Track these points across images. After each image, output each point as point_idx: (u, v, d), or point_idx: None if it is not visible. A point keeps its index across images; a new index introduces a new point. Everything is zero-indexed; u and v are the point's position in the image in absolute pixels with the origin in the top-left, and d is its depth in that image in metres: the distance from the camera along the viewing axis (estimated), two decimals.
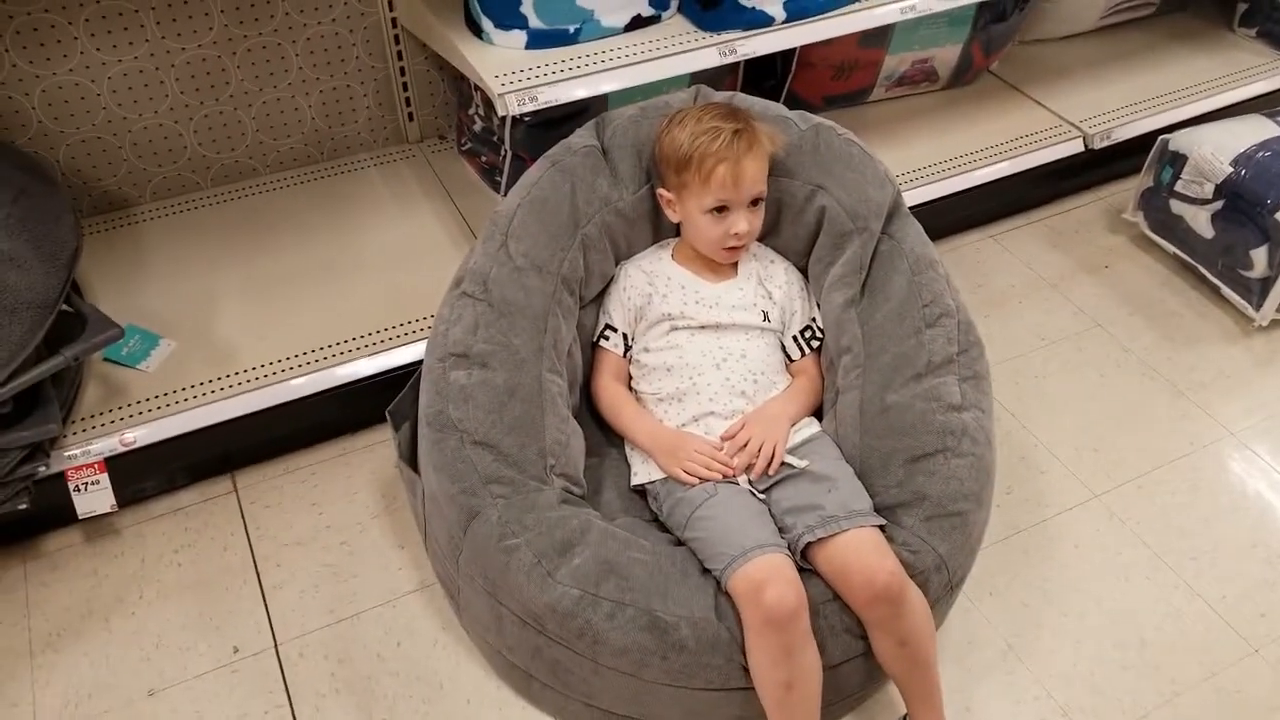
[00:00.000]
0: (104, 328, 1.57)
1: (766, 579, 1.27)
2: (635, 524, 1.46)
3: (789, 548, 1.35)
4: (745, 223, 1.50)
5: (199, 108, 2.05)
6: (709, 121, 1.47)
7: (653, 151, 1.57)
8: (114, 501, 1.65)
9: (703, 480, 1.42)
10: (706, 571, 1.35)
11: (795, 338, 1.60)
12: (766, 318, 1.58)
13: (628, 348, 1.60)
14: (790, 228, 1.62)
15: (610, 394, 1.58)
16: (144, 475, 1.74)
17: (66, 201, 1.72)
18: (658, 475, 1.48)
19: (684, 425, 1.51)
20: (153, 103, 2.00)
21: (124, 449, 1.65)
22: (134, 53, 1.92)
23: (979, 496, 1.43)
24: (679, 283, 1.58)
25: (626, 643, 1.28)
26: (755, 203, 1.52)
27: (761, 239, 1.65)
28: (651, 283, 1.58)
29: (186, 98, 2.03)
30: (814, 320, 1.61)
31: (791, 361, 1.61)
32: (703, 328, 1.55)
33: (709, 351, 1.54)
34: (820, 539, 1.34)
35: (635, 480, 1.52)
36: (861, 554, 1.32)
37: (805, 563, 1.35)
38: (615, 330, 1.60)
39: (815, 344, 1.61)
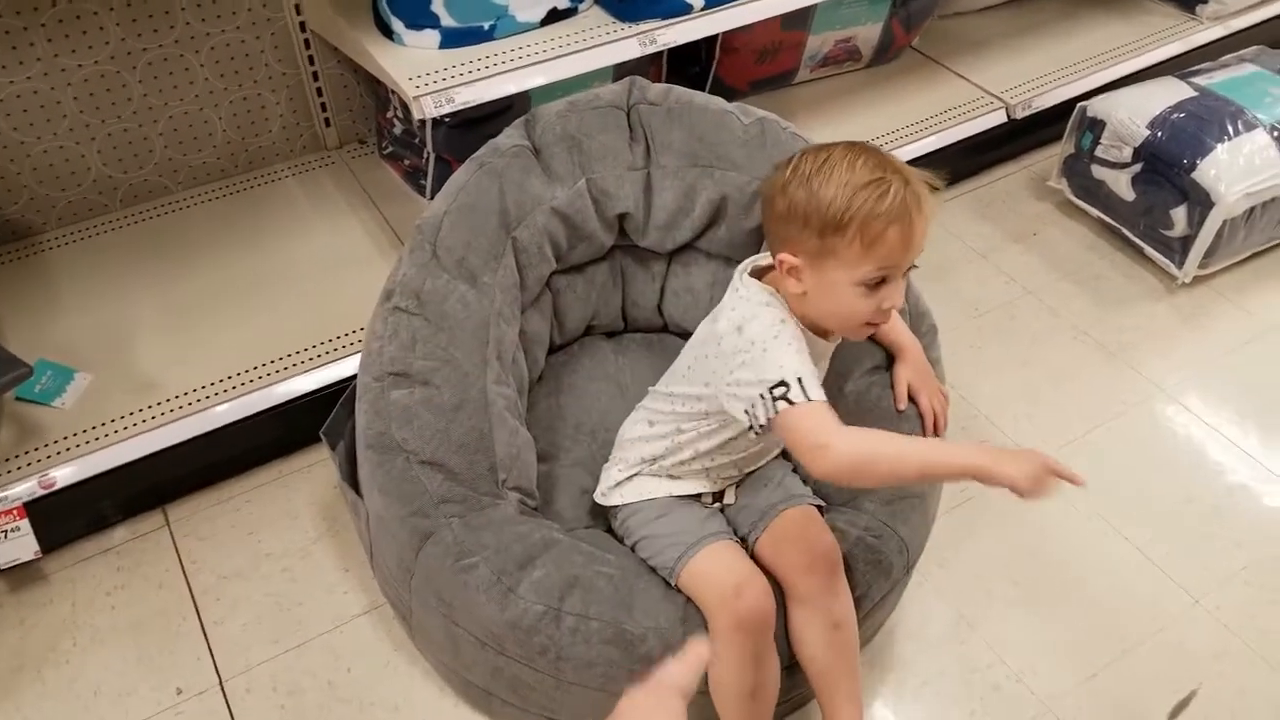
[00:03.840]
0: (11, 367, 1.50)
1: (741, 585, 1.25)
2: (596, 535, 1.43)
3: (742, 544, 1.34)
4: (901, 294, 1.21)
5: (101, 126, 1.97)
6: (867, 170, 1.15)
7: (765, 206, 1.27)
8: (37, 548, 1.58)
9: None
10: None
11: None
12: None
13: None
14: (737, 222, 1.59)
15: (865, 435, 1.18)
16: (69, 516, 1.66)
17: None
18: (631, 499, 1.40)
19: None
20: (50, 124, 1.91)
21: (44, 491, 1.57)
22: (25, 73, 1.83)
23: None
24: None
25: (592, 656, 1.25)
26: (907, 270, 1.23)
27: (702, 234, 1.61)
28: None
29: (86, 117, 1.94)
30: None
31: None
32: None
33: None
34: (765, 528, 1.34)
35: (606, 501, 1.44)
36: (802, 525, 1.33)
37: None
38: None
39: None
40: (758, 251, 1.58)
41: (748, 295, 1.26)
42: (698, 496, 1.41)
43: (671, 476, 1.40)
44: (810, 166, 1.18)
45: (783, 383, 1.15)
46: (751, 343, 1.20)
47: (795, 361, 1.17)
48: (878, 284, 1.18)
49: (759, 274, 1.31)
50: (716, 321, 1.28)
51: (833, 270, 1.17)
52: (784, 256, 1.21)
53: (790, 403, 1.14)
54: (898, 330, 1.49)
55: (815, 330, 1.27)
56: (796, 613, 1.30)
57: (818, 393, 1.15)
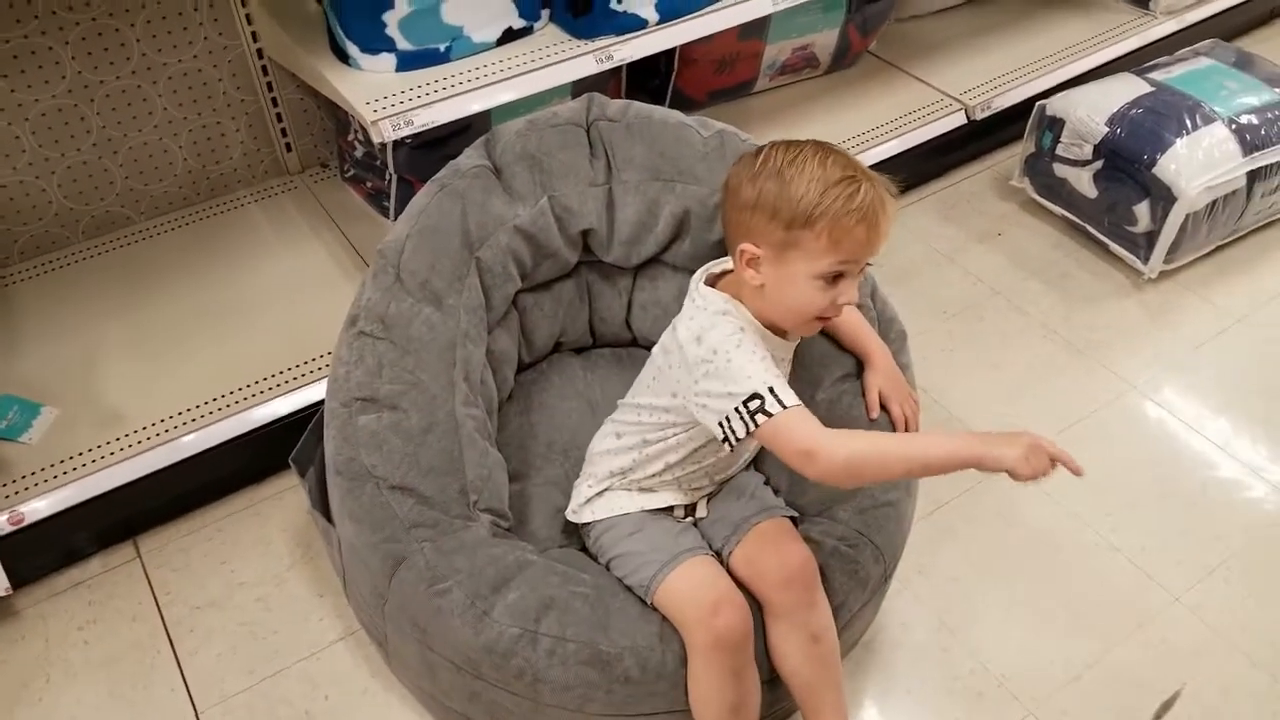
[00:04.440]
0: None
1: (718, 602, 1.25)
2: (571, 554, 1.42)
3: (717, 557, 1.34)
4: (855, 289, 1.24)
5: (60, 160, 1.95)
6: (838, 169, 1.18)
7: (729, 196, 1.26)
8: (8, 584, 1.56)
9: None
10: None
11: None
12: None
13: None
14: (701, 235, 1.59)
15: (852, 435, 1.18)
16: (39, 552, 1.65)
17: None
18: (603, 515, 1.39)
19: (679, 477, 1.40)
20: (9, 159, 1.90)
21: (13, 527, 1.56)
22: None
23: (908, 486, 1.44)
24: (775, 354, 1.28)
25: (569, 678, 1.24)
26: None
27: (667, 248, 1.61)
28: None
29: (46, 150, 1.92)
30: None
31: None
32: None
33: None
34: (739, 542, 1.33)
35: (578, 518, 1.43)
36: (776, 539, 1.32)
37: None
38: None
39: None
40: None
41: (704, 304, 1.27)
42: (670, 510, 1.40)
43: (643, 490, 1.39)
44: (782, 159, 1.20)
45: (756, 395, 1.15)
46: (714, 351, 1.20)
47: (762, 370, 1.17)
48: (835, 279, 1.20)
49: (714, 280, 1.32)
50: (676, 331, 1.28)
51: (795, 262, 1.19)
52: (746, 246, 1.22)
53: (768, 414, 1.15)
54: (866, 337, 1.48)
55: (772, 329, 1.28)
56: (775, 627, 1.30)
57: (791, 398, 1.16)
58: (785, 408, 1.15)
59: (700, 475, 1.39)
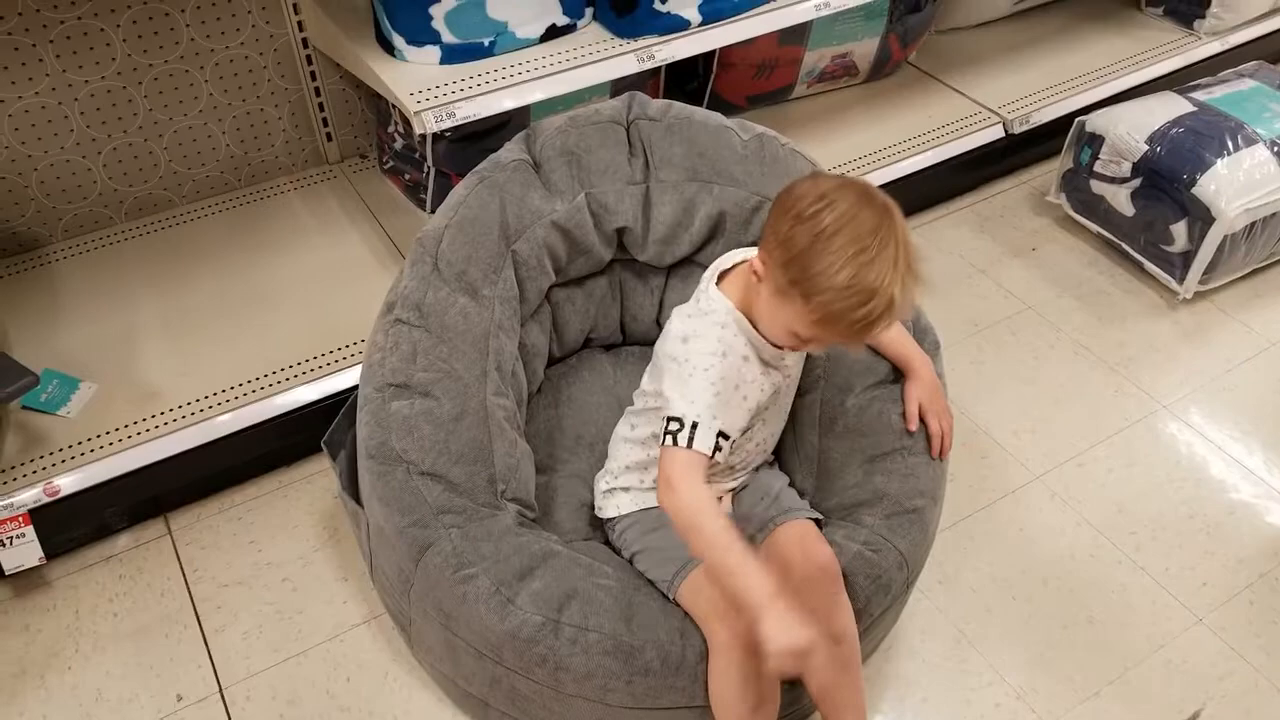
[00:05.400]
0: (17, 375, 1.51)
1: None
2: (594, 548, 1.43)
3: None
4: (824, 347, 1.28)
5: (107, 140, 1.99)
6: (875, 271, 1.10)
7: (777, 205, 1.21)
8: (41, 554, 1.59)
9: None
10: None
11: None
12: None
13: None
14: (735, 237, 1.60)
15: (702, 505, 1.20)
16: (72, 524, 1.68)
17: None
18: (627, 510, 1.41)
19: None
20: (58, 138, 1.93)
21: (49, 499, 1.59)
22: (34, 87, 1.85)
23: (934, 493, 1.44)
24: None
25: (591, 668, 1.25)
26: None
27: (701, 249, 1.62)
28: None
29: (93, 131, 1.96)
30: None
31: None
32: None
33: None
34: (763, 542, 1.34)
35: (602, 514, 1.45)
36: (800, 540, 1.33)
37: None
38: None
39: None
40: None
41: (709, 308, 1.29)
42: None
43: None
44: (827, 220, 1.12)
45: (679, 420, 1.21)
46: (687, 359, 1.24)
47: (704, 402, 1.21)
48: (810, 340, 1.21)
49: (726, 274, 1.33)
50: (673, 320, 1.32)
51: (783, 306, 1.18)
52: (761, 259, 1.21)
53: (675, 442, 1.20)
54: (907, 347, 1.47)
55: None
56: None
57: (703, 444, 1.20)
58: (688, 449, 1.20)
59: (720, 469, 1.40)
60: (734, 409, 1.27)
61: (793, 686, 1.32)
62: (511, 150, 1.57)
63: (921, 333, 1.56)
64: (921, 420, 1.45)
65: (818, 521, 1.40)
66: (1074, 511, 1.79)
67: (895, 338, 1.47)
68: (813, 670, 1.24)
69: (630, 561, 1.39)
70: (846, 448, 1.46)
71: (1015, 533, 1.76)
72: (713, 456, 1.21)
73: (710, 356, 1.23)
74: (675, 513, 1.19)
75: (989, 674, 1.56)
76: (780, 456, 1.55)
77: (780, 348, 1.29)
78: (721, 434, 1.22)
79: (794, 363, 1.38)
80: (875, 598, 1.37)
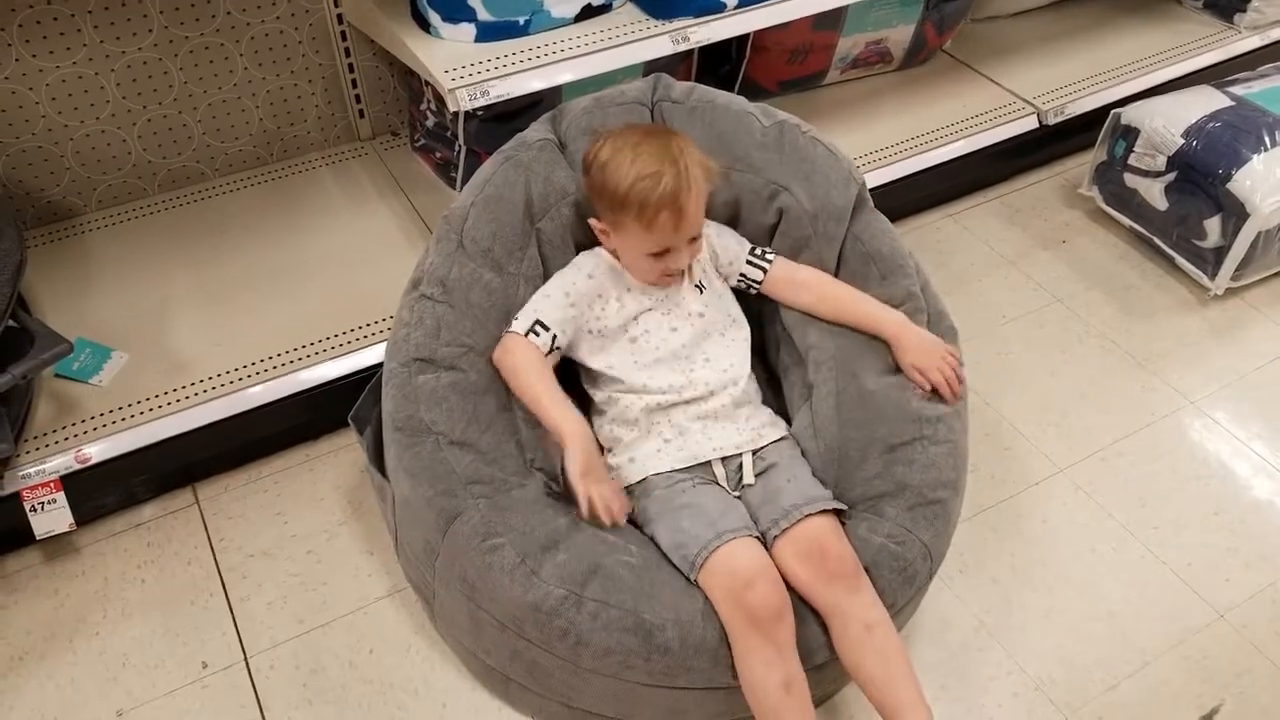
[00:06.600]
0: (52, 343, 1.53)
1: (752, 578, 1.26)
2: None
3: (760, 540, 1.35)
4: (687, 257, 1.45)
5: (142, 112, 2.00)
6: (648, 161, 1.36)
7: (584, 177, 1.47)
8: (72, 520, 1.62)
9: (592, 517, 1.33)
10: None
11: (749, 262, 1.56)
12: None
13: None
14: (750, 225, 1.61)
15: (526, 364, 1.43)
16: (102, 492, 1.70)
17: (8, 214, 1.67)
18: (651, 470, 1.42)
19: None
20: (94, 109, 1.95)
21: (80, 466, 1.61)
22: (71, 58, 1.87)
23: (956, 484, 1.44)
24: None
25: (610, 644, 1.27)
26: (694, 239, 1.45)
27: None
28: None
29: (129, 102, 1.98)
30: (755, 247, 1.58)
31: (761, 283, 1.56)
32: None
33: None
34: (784, 530, 1.34)
35: (619, 478, 1.46)
36: (819, 539, 1.33)
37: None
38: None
39: (770, 256, 1.56)
40: (770, 248, 1.59)
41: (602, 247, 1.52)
42: (709, 471, 1.43)
43: (654, 434, 1.45)
44: (607, 153, 1.41)
45: (519, 316, 1.45)
46: (559, 273, 1.50)
47: (539, 303, 1.46)
48: (663, 253, 1.42)
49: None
50: None
51: (627, 238, 1.43)
52: (593, 222, 1.48)
53: (513, 329, 1.44)
54: (878, 317, 1.51)
55: None
56: (830, 626, 1.31)
57: (522, 326, 1.43)
58: (511, 331, 1.44)
59: (665, 409, 1.46)
60: (582, 310, 1.47)
61: (819, 670, 1.33)
62: (537, 130, 1.58)
63: (937, 315, 1.56)
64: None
65: (841, 512, 1.40)
66: (1097, 505, 1.78)
67: (860, 311, 1.52)
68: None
69: (651, 538, 1.39)
70: (865, 437, 1.45)
71: (1038, 524, 1.75)
72: (527, 336, 1.42)
73: (570, 271, 1.49)
74: (500, 367, 1.43)
75: (1008, 663, 1.56)
76: (801, 445, 1.54)
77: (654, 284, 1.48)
78: (539, 322, 1.43)
79: (695, 301, 1.50)
80: (901, 590, 1.37)
